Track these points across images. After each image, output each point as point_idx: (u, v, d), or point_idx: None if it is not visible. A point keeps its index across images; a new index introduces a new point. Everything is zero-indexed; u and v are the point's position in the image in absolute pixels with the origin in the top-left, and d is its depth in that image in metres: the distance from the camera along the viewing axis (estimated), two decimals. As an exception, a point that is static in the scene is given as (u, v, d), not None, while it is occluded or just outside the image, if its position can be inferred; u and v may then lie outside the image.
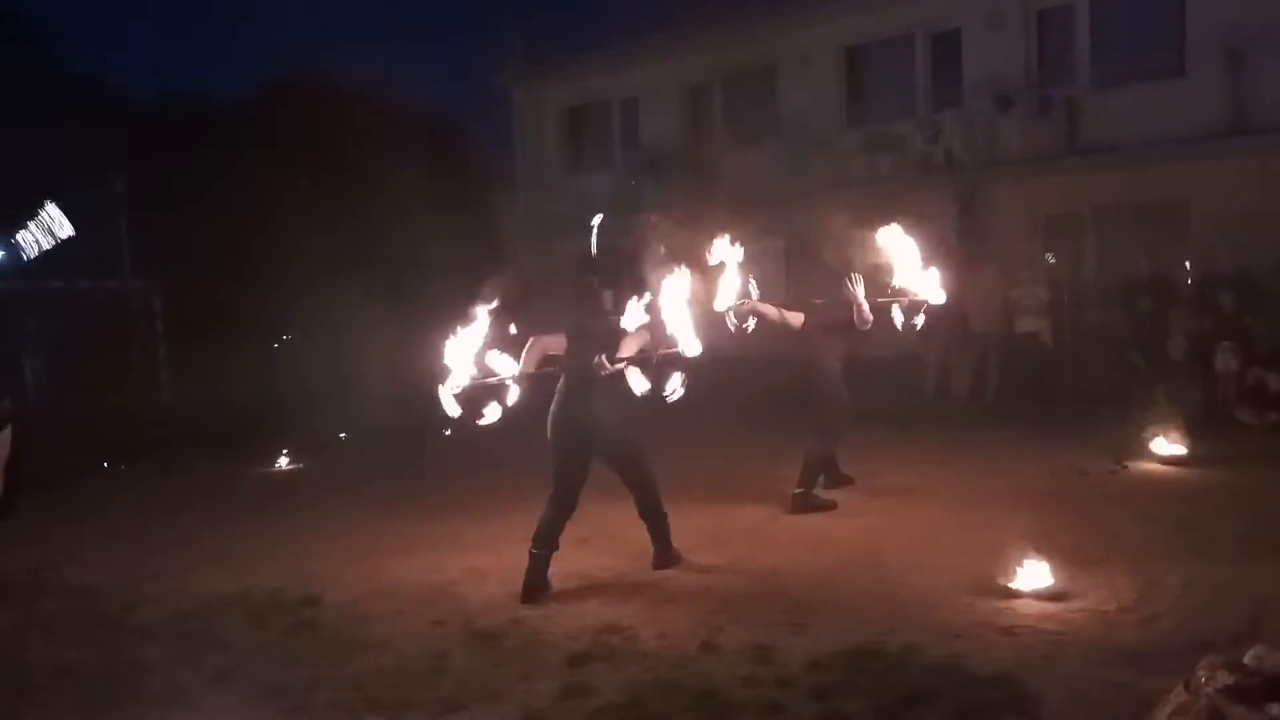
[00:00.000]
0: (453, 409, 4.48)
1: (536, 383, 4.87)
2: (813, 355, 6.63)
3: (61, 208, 18.27)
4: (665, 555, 5.38)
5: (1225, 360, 9.33)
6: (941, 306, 6.75)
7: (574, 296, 5.28)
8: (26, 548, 6.54)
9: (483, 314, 4.57)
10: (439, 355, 4.58)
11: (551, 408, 5.13)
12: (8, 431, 6.75)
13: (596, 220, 5.74)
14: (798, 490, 6.58)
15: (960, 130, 13.42)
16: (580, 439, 5.07)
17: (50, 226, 7.03)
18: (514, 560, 5.27)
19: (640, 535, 5.98)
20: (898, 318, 6.56)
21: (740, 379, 12.81)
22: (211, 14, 48.72)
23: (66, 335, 12.08)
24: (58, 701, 3.95)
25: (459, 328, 4.58)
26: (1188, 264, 10.76)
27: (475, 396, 4.63)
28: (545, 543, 5.06)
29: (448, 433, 11.13)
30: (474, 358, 4.56)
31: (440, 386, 4.53)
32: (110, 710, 3.83)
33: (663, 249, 5.09)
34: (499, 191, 18.71)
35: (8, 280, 13.26)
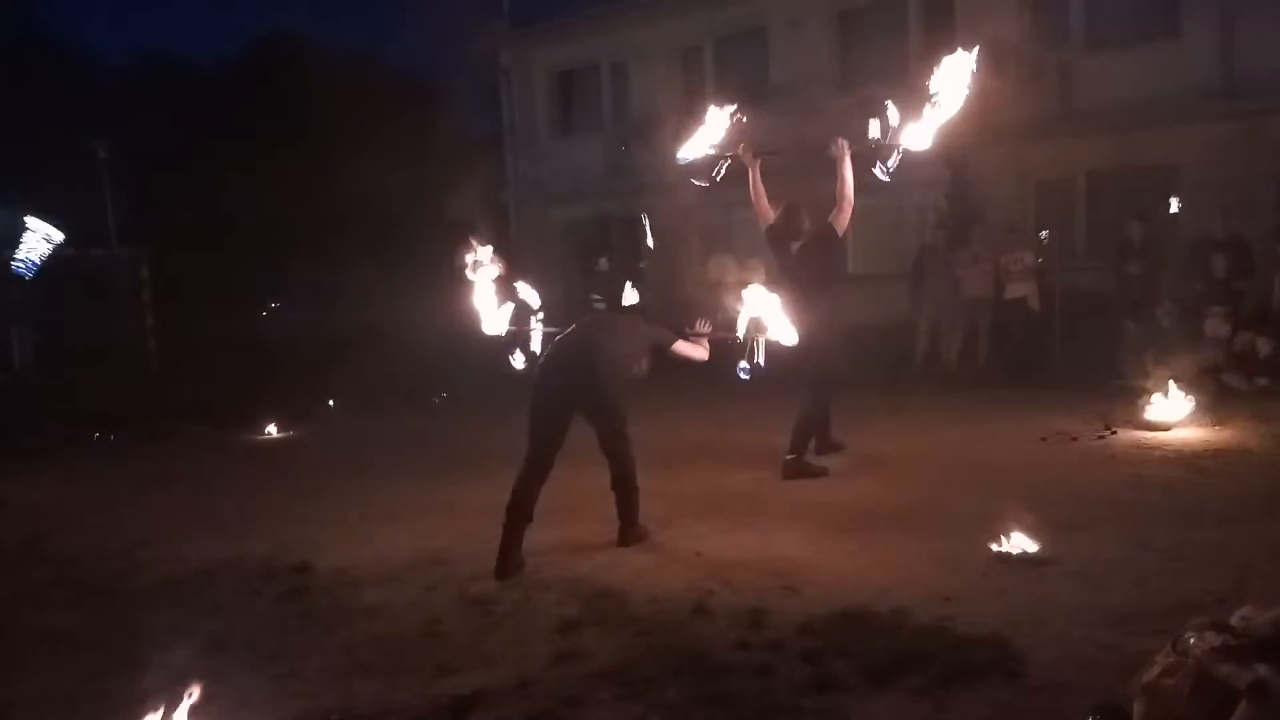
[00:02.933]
0: (517, 360, 4.99)
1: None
2: (809, 320, 6.58)
3: (44, 173, 18.03)
4: (630, 531, 5.19)
5: (1215, 325, 9.35)
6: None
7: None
8: (17, 517, 6.53)
9: (484, 267, 4.74)
10: (465, 306, 4.95)
11: (543, 359, 5.07)
12: None
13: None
14: (789, 456, 6.58)
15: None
16: (570, 394, 4.96)
17: (41, 236, 6.94)
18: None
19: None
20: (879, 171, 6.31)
21: (726, 347, 12.85)
22: (193, -24, 47.91)
23: (53, 304, 11.99)
24: (50, 669, 3.96)
25: (466, 280, 4.88)
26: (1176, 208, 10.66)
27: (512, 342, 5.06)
28: (516, 514, 4.87)
29: (443, 396, 11.19)
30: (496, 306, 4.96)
31: (488, 332, 4.99)
32: (103, 678, 3.83)
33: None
34: (488, 156, 18.57)
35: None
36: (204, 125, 20.34)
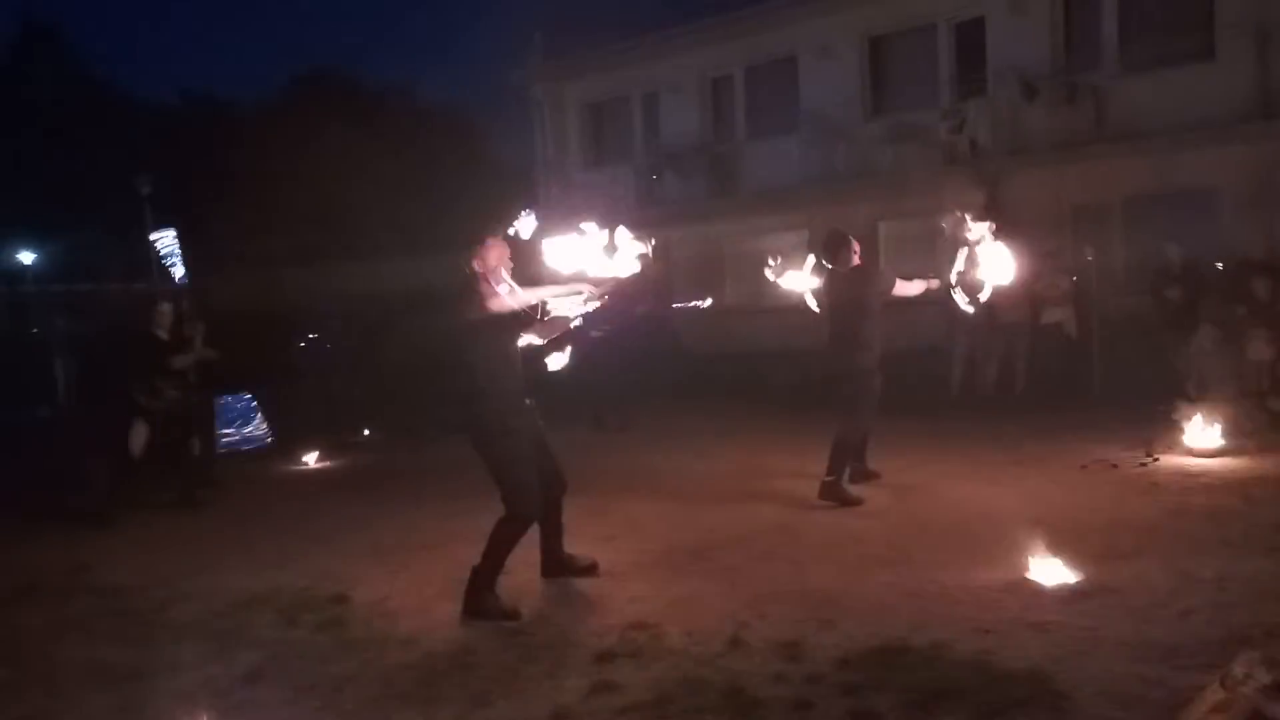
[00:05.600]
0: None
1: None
2: (849, 342, 6.64)
3: (89, 211, 18.50)
4: (476, 598, 4.65)
5: (1258, 348, 9.17)
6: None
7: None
8: (59, 548, 6.65)
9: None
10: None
11: None
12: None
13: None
14: (827, 478, 6.53)
15: (985, 119, 13.31)
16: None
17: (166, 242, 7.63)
18: (539, 558, 5.29)
19: (666, 531, 6.01)
20: (961, 299, 6.78)
21: (761, 373, 12.81)
22: (234, 15, 49.33)
23: (96, 338, 12.22)
24: (92, 701, 4.00)
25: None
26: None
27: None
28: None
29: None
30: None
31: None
32: (144, 709, 3.87)
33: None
34: (521, 188, 18.81)
35: (38, 284, 13.48)
36: (245, 162, 20.78)
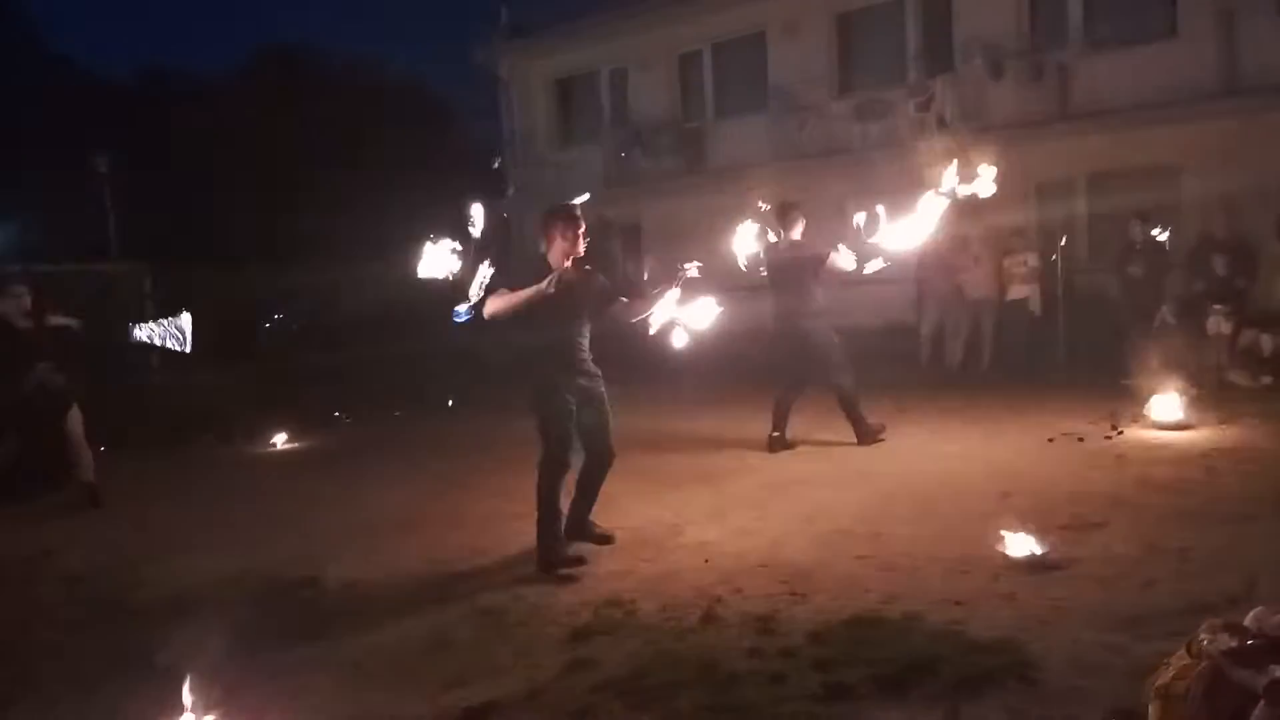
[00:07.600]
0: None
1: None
2: (803, 310, 7.23)
3: (48, 189, 18.07)
4: (541, 551, 4.96)
5: (1218, 324, 9.34)
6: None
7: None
8: (23, 532, 6.53)
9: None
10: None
11: None
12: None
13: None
14: (857, 428, 7.44)
15: (952, 96, 13.34)
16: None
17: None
18: (512, 537, 5.29)
19: (639, 507, 6.02)
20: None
21: (731, 350, 12.83)
22: (194, -10, 48.35)
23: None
24: (56, 684, 3.95)
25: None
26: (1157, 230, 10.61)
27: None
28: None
29: (450, 403, 11.20)
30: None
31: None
32: (111, 693, 3.82)
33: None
34: (488, 165, 18.63)
35: (-6, 264, 13.16)
36: (206, 138, 20.41)
